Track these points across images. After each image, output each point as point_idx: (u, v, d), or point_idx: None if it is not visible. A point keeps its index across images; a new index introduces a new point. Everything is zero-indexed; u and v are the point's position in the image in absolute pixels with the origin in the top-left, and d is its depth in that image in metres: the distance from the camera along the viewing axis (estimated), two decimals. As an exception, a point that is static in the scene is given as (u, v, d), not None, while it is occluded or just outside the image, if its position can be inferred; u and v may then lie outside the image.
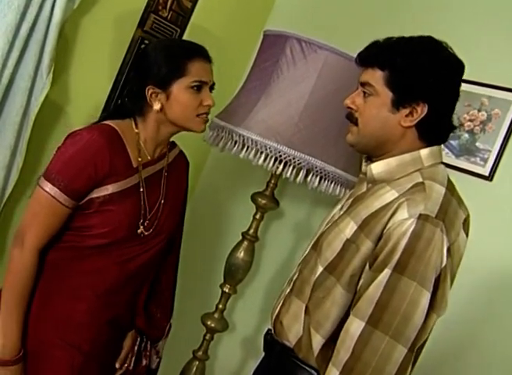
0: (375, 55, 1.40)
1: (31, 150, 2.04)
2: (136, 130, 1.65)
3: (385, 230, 1.30)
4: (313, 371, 1.38)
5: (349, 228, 1.37)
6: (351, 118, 1.45)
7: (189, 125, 1.66)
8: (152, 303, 1.83)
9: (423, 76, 1.35)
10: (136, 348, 1.82)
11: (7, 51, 1.82)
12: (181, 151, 1.84)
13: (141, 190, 1.62)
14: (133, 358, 1.81)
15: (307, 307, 1.41)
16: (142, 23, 2.29)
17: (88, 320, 1.62)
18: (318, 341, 1.38)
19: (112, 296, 1.65)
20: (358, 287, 1.32)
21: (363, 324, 1.26)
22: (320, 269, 1.40)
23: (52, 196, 1.51)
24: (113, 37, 2.25)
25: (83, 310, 1.61)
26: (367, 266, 1.32)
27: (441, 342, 1.80)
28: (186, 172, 1.85)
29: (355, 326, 1.28)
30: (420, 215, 1.27)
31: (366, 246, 1.32)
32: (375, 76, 1.39)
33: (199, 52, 1.64)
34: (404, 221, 1.27)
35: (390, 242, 1.27)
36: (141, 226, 1.63)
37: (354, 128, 1.45)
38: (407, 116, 1.38)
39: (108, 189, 1.56)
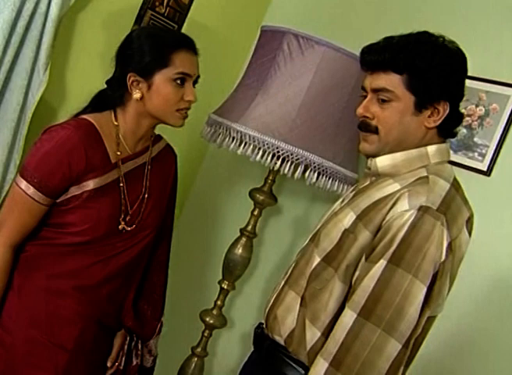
0: (389, 59, 1.36)
1: (28, 147, 2.03)
2: (116, 123, 1.60)
3: (384, 222, 1.28)
4: (301, 369, 1.36)
5: (348, 218, 1.35)
6: (367, 127, 1.40)
7: (167, 119, 1.61)
8: (142, 301, 1.79)
9: (442, 75, 1.34)
10: (126, 347, 1.78)
11: (3, 49, 1.82)
12: (167, 145, 1.79)
13: (121, 185, 1.59)
14: (124, 358, 1.77)
15: (302, 298, 1.39)
16: (139, 19, 2.28)
17: (71, 318, 1.58)
18: (312, 334, 1.35)
19: (95, 293, 1.61)
20: (354, 279, 1.30)
21: (354, 316, 1.24)
22: (317, 259, 1.38)
23: (27, 193, 1.49)
24: (110, 34, 2.24)
25: (66, 307, 1.57)
26: (363, 258, 1.30)
27: (440, 338, 1.80)
28: (174, 165, 1.80)
29: (347, 317, 1.26)
30: (420, 206, 1.25)
31: (364, 236, 1.31)
32: (393, 81, 1.35)
33: (185, 43, 1.60)
34: (404, 212, 1.25)
35: (389, 233, 1.26)
36: (122, 222, 1.59)
37: (374, 137, 1.40)
38: (429, 116, 1.36)
39: (86, 186, 1.52)
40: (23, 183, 1.49)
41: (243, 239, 2.22)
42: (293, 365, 1.37)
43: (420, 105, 1.35)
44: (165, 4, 2.34)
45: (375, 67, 1.39)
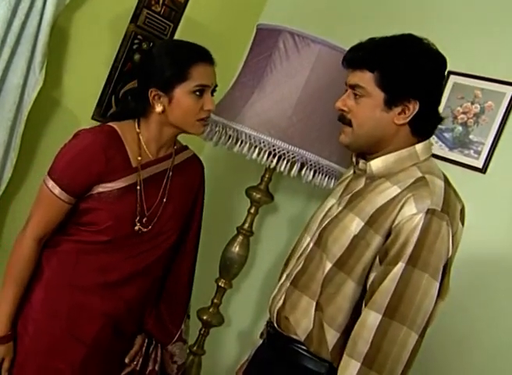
0: (363, 57, 1.43)
1: (25, 146, 2.04)
2: (138, 130, 1.68)
3: (393, 225, 1.35)
4: (325, 363, 1.42)
5: (355, 224, 1.40)
6: (344, 120, 1.48)
7: (189, 129, 1.68)
8: (164, 307, 1.82)
9: (412, 74, 1.39)
10: (144, 349, 1.81)
11: (-1, 47, 1.82)
12: (194, 155, 1.85)
13: (138, 188, 1.64)
14: (141, 359, 1.80)
15: (317, 303, 1.44)
16: (135, 18, 2.28)
17: (93, 314, 1.65)
18: (332, 335, 1.42)
19: (118, 292, 1.67)
20: (370, 281, 1.37)
21: (380, 316, 1.31)
22: (328, 265, 1.43)
23: (53, 193, 1.60)
24: (106, 33, 2.24)
25: (88, 304, 1.64)
26: (377, 260, 1.36)
27: (441, 330, 1.81)
28: (200, 176, 1.85)
29: (372, 318, 1.32)
30: (428, 209, 1.32)
31: (376, 241, 1.37)
32: (365, 78, 1.42)
33: (202, 56, 1.65)
34: (414, 216, 1.32)
35: (401, 237, 1.32)
36: (138, 224, 1.65)
37: (348, 129, 1.47)
38: (399, 113, 1.41)
39: (106, 187, 1.61)
40: (50, 183, 1.60)
41: (240, 237, 2.23)
42: (315, 359, 1.43)
43: (389, 101, 1.41)
44: (160, 2, 2.34)
45: (351, 65, 1.46)
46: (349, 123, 1.46)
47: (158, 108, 1.63)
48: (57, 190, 1.59)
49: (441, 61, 1.44)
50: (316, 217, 1.57)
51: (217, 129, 2.00)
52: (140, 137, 1.68)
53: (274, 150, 1.89)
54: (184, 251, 1.84)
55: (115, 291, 1.67)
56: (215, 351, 2.53)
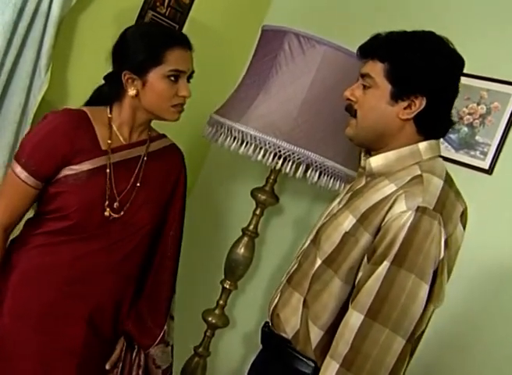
0: (376, 47, 1.41)
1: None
2: (110, 115, 1.64)
3: (383, 223, 1.30)
4: (310, 362, 1.39)
5: (347, 221, 1.37)
6: (350, 110, 1.46)
7: (162, 114, 1.64)
8: (144, 307, 1.73)
9: (422, 69, 1.36)
10: (123, 353, 1.71)
11: (5, 50, 1.83)
12: (173, 145, 1.80)
13: (108, 171, 1.60)
14: (121, 365, 1.71)
15: (305, 300, 1.41)
16: (140, 19, 2.28)
17: (59, 311, 1.59)
18: (315, 333, 1.38)
19: (87, 288, 1.61)
20: (357, 280, 1.33)
21: (362, 317, 1.27)
22: (318, 262, 1.40)
23: (20, 177, 1.55)
24: (111, 34, 2.23)
25: (55, 300, 1.58)
26: (365, 259, 1.32)
27: (444, 333, 1.80)
28: (179, 165, 1.79)
29: (354, 319, 1.28)
30: (418, 207, 1.27)
31: (365, 239, 1.33)
32: (376, 68, 1.40)
33: (178, 40, 1.61)
34: (402, 214, 1.28)
35: (389, 235, 1.28)
36: (108, 208, 1.59)
37: (353, 121, 1.45)
38: (405, 108, 1.38)
39: (73, 169, 1.56)
40: (18, 169, 1.55)
41: (245, 239, 2.22)
42: (303, 359, 1.40)
43: (395, 95, 1.38)
44: (165, 4, 2.34)
45: (364, 54, 1.44)
46: (355, 115, 1.44)
47: (131, 92, 1.59)
48: (23, 174, 1.54)
49: (456, 61, 1.41)
50: (320, 217, 1.56)
51: (222, 130, 2.00)
52: (112, 122, 1.64)
53: (279, 151, 1.89)
54: (165, 246, 1.76)
55: (86, 287, 1.61)
56: (220, 353, 2.53)
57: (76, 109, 1.64)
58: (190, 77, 1.64)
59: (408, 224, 1.26)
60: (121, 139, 1.65)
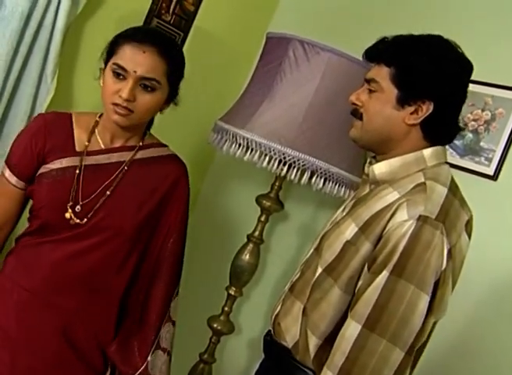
0: (382, 51, 1.39)
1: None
2: (98, 119, 1.61)
3: (384, 232, 1.27)
4: (310, 372, 1.37)
5: (349, 229, 1.35)
6: (356, 114, 1.44)
7: (105, 111, 1.54)
8: (129, 333, 1.61)
9: (429, 74, 1.34)
10: None
11: (11, 58, 1.83)
12: (172, 155, 1.69)
13: (77, 172, 1.53)
14: None
15: (305, 308, 1.39)
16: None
17: (25, 324, 1.52)
18: (313, 343, 1.36)
19: (55, 297, 1.54)
20: (356, 290, 1.30)
21: (359, 327, 1.24)
22: (319, 270, 1.38)
23: (5, 176, 1.58)
24: (117, 42, 2.25)
25: (29, 307, 1.53)
26: (365, 268, 1.30)
27: (448, 342, 1.80)
28: (175, 179, 1.65)
29: (351, 329, 1.26)
30: (419, 216, 1.24)
31: (365, 248, 1.30)
32: (381, 73, 1.38)
33: (137, 38, 1.49)
34: (404, 223, 1.25)
35: (389, 244, 1.25)
36: (70, 210, 1.51)
37: (358, 123, 1.43)
38: (411, 113, 1.36)
39: (46, 168, 1.55)
40: (6, 171, 1.58)
41: (251, 245, 2.22)
42: (303, 369, 1.38)
43: (402, 99, 1.36)
44: (171, 11, 2.35)
45: (370, 58, 1.43)
46: (360, 117, 1.42)
47: (101, 84, 1.54)
48: (7, 172, 1.56)
49: (464, 66, 1.38)
50: (325, 225, 1.55)
51: (227, 137, 2.01)
52: (97, 127, 1.59)
53: (284, 158, 1.89)
54: (158, 270, 1.63)
55: (52, 295, 1.53)
56: (225, 360, 2.53)
57: (62, 112, 1.62)
58: (147, 86, 1.49)
59: (409, 234, 1.23)
60: (100, 143, 1.58)
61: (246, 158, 1.95)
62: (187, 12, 2.41)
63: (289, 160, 1.89)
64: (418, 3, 2.30)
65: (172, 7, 2.35)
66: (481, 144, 1.98)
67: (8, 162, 1.58)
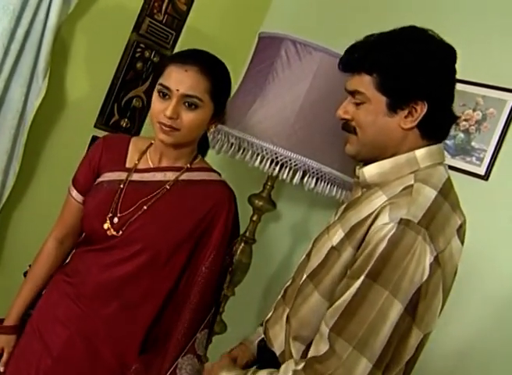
0: (359, 59, 1.29)
1: (28, 154, 2.04)
2: (153, 142, 1.65)
3: (366, 236, 1.20)
4: None
5: (337, 235, 1.28)
6: (348, 128, 1.35)
7: (154, 131, 1.55)
8: (151, 361, 1.59)
9: (415, 73, 1.25)
10: None
11: (2, 56, 1.83)
12: (220, 182, 1.69)
13: (121, 186, 1.58)
14: None
15: (288, 316, 1.35)
16: (137, 26, 2.30)
17: (63, 319, 1.57)
18: (297, 350, 1.30)
19: (88, 305, 1.56)
20: (335, 295, 1.23)
21: (327, 331, 1.19)
22: (304, 276, 1.33)
23: (70, 193, 1.68)
24: (108, 41, 2.25)
25: (61, 308, 1.59)
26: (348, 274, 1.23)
27: (443, 346, 1.80)
28: (218, 205, 1.62)
29: (321, 332, 1.21)
30: (401, 219, 1.16)
31: (347, 253, 1.24)
32: (364, 82, 1.28)
33: (181, 59, 1.53)
34: (384, 226, 1.17)
35: (368, 248, 1.18)
36: (108, 221, 1.55)
37: (353, 137, 1.34)
38: (406, 117, 1.28)
39: (98, 180, 1.63)
40: (73, 190, 1.67)
41: (243, 245, 2.22)
42: None
43: (393, 106, 1.27)
44: (163, 11, 2.35)
45: (347, 69, 1.34)
46: (354, 131, 1.33)
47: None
48: (73, 192, 1.66)
49: (449, 53, 1.29)
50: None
51: (219, 136, 2.01)
52: (149, 148, 1.65)
53: (276, 158, 1.89)
54: (187, 295, 1.58)
55: (86, 302, 1.56)
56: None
57: (123, 135, 1.73)
58: (191, 104, 1.50)
59: (388, 237, 1.15)
60: (149, 162, 1.63)
61: (238, 157, 1.95)
62: (179, 12, 2.41)
63: (282, 160, 1.89)
64: (411, 3, 2.31)
65: (164, 6, 2.35)
66: (473, 144, 1.99)
67: (73, 179, 1.68)
